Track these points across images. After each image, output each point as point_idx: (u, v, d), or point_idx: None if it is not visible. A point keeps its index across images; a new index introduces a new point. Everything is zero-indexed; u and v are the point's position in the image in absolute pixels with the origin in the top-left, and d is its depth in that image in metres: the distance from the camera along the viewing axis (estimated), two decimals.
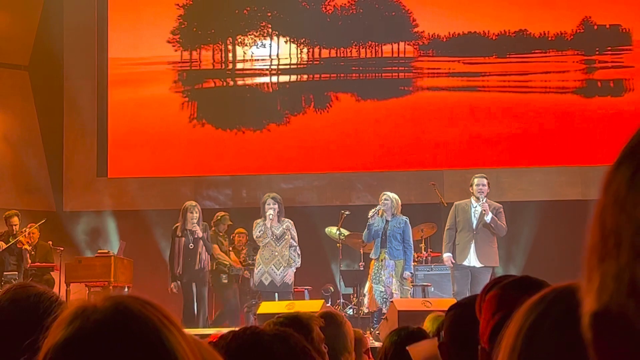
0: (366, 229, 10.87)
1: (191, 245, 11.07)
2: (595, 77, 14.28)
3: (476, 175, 10.89)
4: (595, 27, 14.24)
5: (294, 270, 11.06)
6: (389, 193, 10.98)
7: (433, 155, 14.22)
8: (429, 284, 11.51)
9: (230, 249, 12.49)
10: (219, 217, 12.25)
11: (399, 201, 10.90)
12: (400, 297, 10.51)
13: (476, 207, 10.70)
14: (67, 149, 14.49)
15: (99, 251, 12.48)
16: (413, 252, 11.06)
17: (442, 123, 14.25)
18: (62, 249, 12.50)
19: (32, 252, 12.01)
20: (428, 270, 11.84)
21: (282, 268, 10.88)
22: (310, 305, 9.55)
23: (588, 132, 13.87)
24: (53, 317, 2.22)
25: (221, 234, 12.29)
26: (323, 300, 10.59)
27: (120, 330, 1.17)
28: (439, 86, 14.42)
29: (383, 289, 10.64)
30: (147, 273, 13.04)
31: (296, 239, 11.07)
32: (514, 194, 13.83)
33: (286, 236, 10.96)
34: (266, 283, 10.90)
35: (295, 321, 3.17)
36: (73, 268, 11.99)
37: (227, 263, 12.02)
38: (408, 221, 10.89)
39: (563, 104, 14.17)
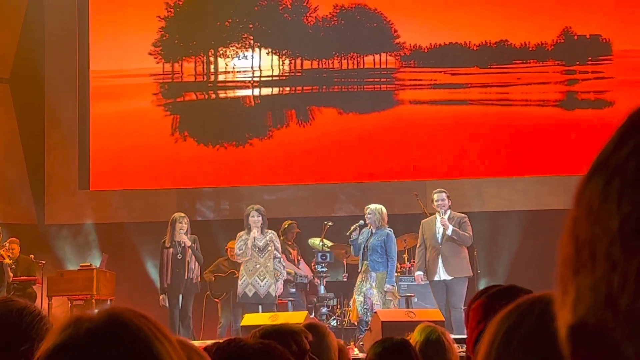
0: (352, 245, 10.92)
1: (179, 256, 11.06)
2: (576, 88, 14.32)
3: (435, 191, 11.02)
4: (576, 37, 14.29)
5: (282, 283, 11.03)
6: (372, 205, 10.89)
7: (416, 166, 14.21)
8: (413, 295, 11.45)
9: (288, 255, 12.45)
10: (285, 226, 12.21)
11: (384, 211, 10.82)
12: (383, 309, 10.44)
13: (439, 221, 10.83)
14: (49, 162, 14.43)
15: (81, 264, 12.42)
16: (396, 264, 10.99)
17: (424, 134, 14.24)
18: (44, 262, 12.42)
19: (14, 266, 11.89)
20: (411, 281, 11.74)
21: (266, 279, 10.81)
22: (294, 317, 9.49)
23: (570, 142, 13.89)
24: (36, 331, 2.26)
25: (289, 242, 12.28)
26: (307, 312, 10.61)
27: (111, 339, 1.18)
28: (421, 97, 14.41)
29: (362, 299, 10.61)
30: (129, 286, 12.96)
31: (280, 250, 11.04)
32: (496, 203, 13.91)
33: (269, 247, 10.90)
34: (250, 295, 10.81)
35: (279, 333, 3.17)
36: (55, 281, 11.95)
37: (292, 272, 11.95)
38: (392, 233, 10.82)
39: (544, 114, 14.18)
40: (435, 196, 10.89)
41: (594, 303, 0.65)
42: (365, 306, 10.56)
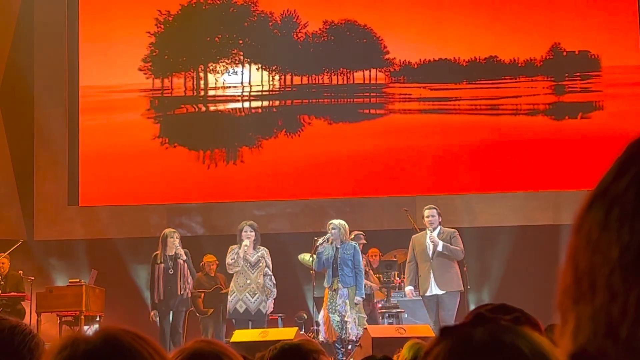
0: (315, 258, 10.79)
1: (171, 271, 11.04)
2: (565, 99, 14.35)
3: (426, 207, 11.01)
4: (565, 53, 14.33)
5: (272, 301, 10.96)
6: (335, 221, 10.90)
7: (405, 181, 14.22)
8: (403, 310, 11.44)
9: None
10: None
11: (347, 227, 10.87)
12: (357, 324, 10.48)
13: (429, 237, 10.83)
14: (38, 178, 14.35)
15: (71, 280, 12.34)
16: (364, 277, 10.98)
17: (413, 149, 14.26)
18: (32, 278, 12.33)
19: (2, 282, 11.87)
20: (402, 297, 11.75)
21: (256, 296, 10.78)
22: (284, 333, 9.42)
23: (558, 159, 13.90)
24: (28, 349, 2.24)
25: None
26: (297, 328, 10.54)
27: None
28: (411, 113, 14.44)
29: (339, 319, 10.56)
30: (119, 302, 12.86)
31: (271, 267, 10.99)
32: (485, 219, 13.90)
33: (261, 264, 10.88)
34: (241, 311, 10.76)
35: (299, 351, 3.15)
36: (44, 298, 11.84)
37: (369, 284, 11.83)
38: (357, 246, 10.90)
39: (533, 130, 14.19)
40: (426, 212, 10.89)
41: (593, 332, 0.65)
42: (340, 325, 10.52)
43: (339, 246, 10.71)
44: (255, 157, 14.45)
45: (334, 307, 10.61)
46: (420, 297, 10.95)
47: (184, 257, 11.11)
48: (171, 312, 11.03)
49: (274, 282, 11.01)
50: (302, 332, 10.70)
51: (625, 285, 0.63)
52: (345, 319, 10.49)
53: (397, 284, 12.14)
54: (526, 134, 14.22)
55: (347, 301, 10.56)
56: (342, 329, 10.47)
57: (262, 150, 14.46)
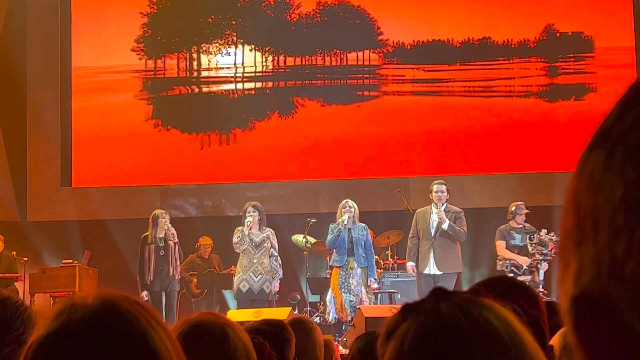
0: (334, 235, 10.77)
1: (162, 252, 11.07)
2: (558, 81, 14.36)
3: (435, 182, 10.86)
4: (558, 34, 14.33)
5: (278, 281, 11.01)
6: (351, 201, 10.93)
7: (399, 163, 14.20)
8: (396, 291, 11.46)
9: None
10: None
11: (358, 209, 10.94)
12: (367, 304, 10.49)
13: (434, 214, 10.71)
14: (31, 159, 14.32)
15: (64, 261, 12.36)
16: (374, 258, 11.08)
17: (407, 131, 14.23)
18: (25, 259, 12.35)
19: None
20: (394, 277, 11.82)
21: (260, 276, 10.82)
22: (278, 313, 9.45)
23: (552, 140, 13.89)
24: (21, 321, 2.25)
25: None
26: (290, 308, 10.57)
27: (105, 326, 1.19)
28: (404, 95, 14.41)
29: (354, 299, 10.60)
30: (112, 283, 12.27)
31: (276, 248, 11.03)
32: (479, 200, 13.85)
33: (265, 244, 10.91)
34: (244, 290, 10.82)
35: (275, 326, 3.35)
36: (37, 278, 11.89)
37: None
38: (367, 228, 10.94)
39: (526, 111, 14.22)
40: (435, 187, 10.73)
41: (597, 274, 0.65)
42: (354, 305, 10.53)
43: (350, 227, 10.74)
44: (249, 138, 14.39)
45: (347, 287, 10.65)
46: (415, 277, 10.89)
47: (176, 239, 11.12)
48: (163, 293, 11.06)
49: (280, 262, 11.07)
50: (295, 312, 10.75)
51: (630, 224, 0.62)
52: (364, 299, 10.57)
53: (390, 265, 12.21)
54: (520, 115, 14.22)
55: (360, 281, 10.64)
56: (355, 309, 10.39)
57: (255, 132, 14.42)
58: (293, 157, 14.32)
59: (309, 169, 14.26)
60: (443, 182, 10.86)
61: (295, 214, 13.37)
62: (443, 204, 10.67)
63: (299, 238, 12.32)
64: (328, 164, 14.25)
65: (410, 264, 10.82)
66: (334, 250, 10.90)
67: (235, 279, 10.99)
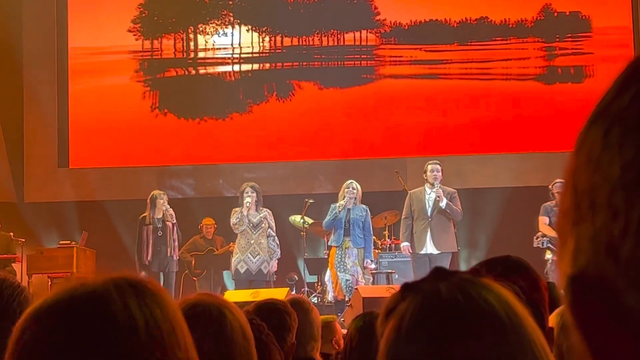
0: (330, 217, 10.83)
1: (160, 233, 11.09)
2: (556, 63, 14.35)
3: (430, 162, 10.89)
4: (556, 14, 14.31)
5: (276, 262, 11.03)
6: (355, 183, 10.95)
7: (396, 144, 14.16)
8: (393, 271, 11.47)
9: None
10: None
11: (361, 190, 10.97)
12: (364, 285, 10.53)
13: (430, 193, 10.72)
14: (28, 140, 14.31)
15: (61, 242, 12.38)
16: (372, 240, 11.11)
17: (405, 111, 14.18)
18: (23, 240, 12.33)
19: None
20: (392, 258, 11.82)
21: (258, 256, 10.81)
22: (275, 293, 9.22)
23: (550, 119, 13.87)
24: (17, 303, 2.26)
25: None
26: (288, 288, 10.65)
27: (96, 311, 1.18)
28: (402, 74, 14.36)
29: (349, 278, 10.66)
30: (109, 263, 12.41)
31: (274, 228, 11.03)
32: (477, 180, 13.88)
33: (263, 224, 10.90)
34: (242, 271, 10.82)
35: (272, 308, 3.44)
36: (35, 259, 11.90)
37: None
38: (368, 210, 10.96)
39: (524, 90, 14.20)
40: (430, 167, 10.77)
41: (594, 253, 0.64)
42: (350, 284, 10.59)
43: (350, 207, 10.76)
44: (246, 120, 14.34)
45: (343, 267, 10.69)
46: (410, 257, 10.95)
47: (174, 220, 11.14)
48: (161, 274, 11.08)
49: (278, 242, 11.07)
50: (293, 293, 10.72)
51: (627, 203, 0.61)
52: (360, 279, 10.61)
53: (387, 245, 12.17)
54: (517, 94, 14.20)
55: (357, 261, 10.67)
56: (351, 289, 10.47)
57: (252, 115, 14.38)
58: (290, 138, 14.24)
59: (307, 150, 14.19)
60: (437, 162, 10.89)
61: (292, 195, 13.34)
62: (438, 184, 10.68)
63: (296, 219, 12.30)
64: (325, 145, 14.19)
65: (404, 244, 10.83)
66: (333, 230, 10.90)
67: (233, 259, 10.96)
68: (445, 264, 10.34)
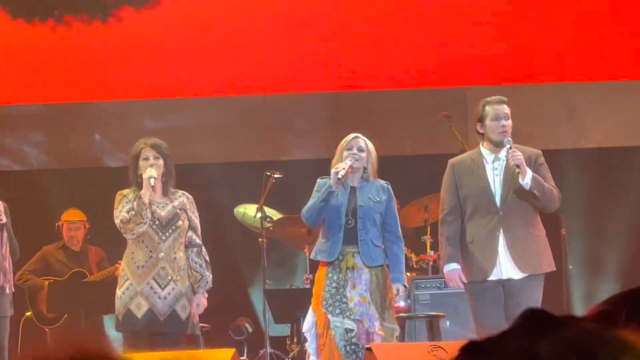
0: (318, 198, 9.82)
1: None
2: None
3: (488, 100, 9.93)
4: None
5: (205, 296, 10.25)
6: (363, 137, 10.00)
7: (447, 65, 13.79)
8: (441, 314, 11.20)
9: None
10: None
11: (375, 153, 10.02)
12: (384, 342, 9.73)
13: (496, 161, 9.77)
14: None
15: None
16: (404, 248, 10.23)
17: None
18: None
19: None
20: (438, 287, 11.61)
21: (170, 285, 10.02)
22: (215, 356, 9.71)
23: None
24: None
25: None
26: (234, 350, 10.05)
27: None
28: None
29: (354, 327, 9.58)
30: None
31: (198, 228, 10.27)
32: (603, 132, 13.99)
33: (180, 222, 10.09)
34: (139, 315, 9.90)
35: None
36: None
37: None
38: (391, 189, 10.04)
39: None
40: (490, 109, 9.70)
41: None
42: (352, 338, 9.59)
43: (357, 184, 9.72)
44: (146, 19, 14.08)
45: (342, 305, 9.74)
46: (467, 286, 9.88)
47: (2, 217, 10.61)
48: None
49: (207, 258, 10.28)
50: (243, 358, 11.37)
51: None
52: (376, 330, 9.65)
53: (429, 263, 12.05)
54: None
55: (369, 294, 9.67)
56: (354, 350, 9.62)
57: (160, 8, 14.03)
58: (236, 55, 13.77)
59: (271, 74, 13.75)
60: (502, 98, 9.99)
61: (240, 163, 13.63)
62: (509, 142, 9.70)
63: (247, 211, 12.28)
64: (309, 65, 13.78)
65: (451, 268, 9.76)
66: (320, 231, 9.89)
67: (119, 292, 10.03)
68: (537, 294, 9.70)
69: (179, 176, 10.76)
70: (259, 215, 11.99)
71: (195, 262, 10.15)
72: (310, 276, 11.28)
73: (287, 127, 14.26)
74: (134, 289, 9.91)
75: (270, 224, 12.09)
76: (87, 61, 13.99)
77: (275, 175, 11.80)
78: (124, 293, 10.00)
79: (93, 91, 13.99)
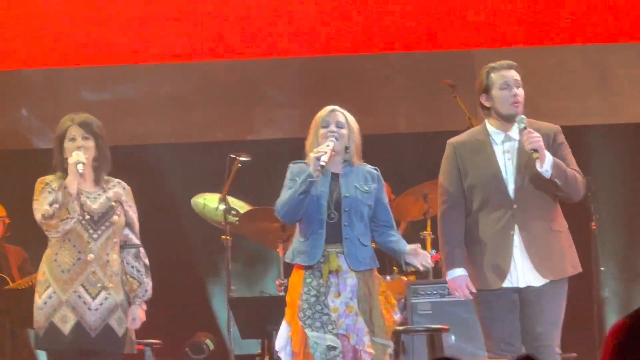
0: (295, 188, 9.47)
1: None
2: None
3: (493, 65, 9.66)
4: None
5: (143, 307, 9.89)
6: (341, 110, 9.70)
7: (450, 23, 13.89)
8: (445, 327, 11.29)
9: None
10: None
11: (358, 131, 9.75)
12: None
13: (509, 141, 9.47)
14: None
15: None
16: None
17: None
18: None
19: None
20: (440, 294, 11.72)
21: (102, 294, 9.70)
22: None
23: None
24: None
25: None
26: None
27: None
28: None
29: (337, 344, 9.28)
30: None
31: (136, 226, 9.98)
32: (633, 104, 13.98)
33: (114, 217, 9.78)
34: (65, 331, 9.51)
35: None
36: None
37: None
38: (380, 176, 9.77)
39: None
40: (497, 77, 9.41)
41: None
42: (335, 354, 9.29)
43: (340, 171, 9.41)
44: None
45: (322, 318, 9.45)
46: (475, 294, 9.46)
47: None
48: None
49: (146, 262, 9.99)
50: None
51: None
52: (365, 347, 9.34)
53: (433, 262, 11.18)
54: None
55: (356, 303, 9.39)
56: None
57: None
58: (194, 13, 13.95)
59: (234, 35, 13.82)
60: (512, 63, 9.75)
61: (198, 144, 13.94)
62: (523, 119, 9.35)
63: (208, 202, 12.25)
64: (274, 24, 13.98)
65: (456, 273, 9.45)
66: (297, 228, 9.59)
67: (39, 301, 9.70)
68: (560, 302, 9.32)
69: (123, 160, 10.55)
70: (221, 207, 11.93)
71: (132, 267, 9.97)
72: (285, 281, 11.06)
73: (256, 99, 14.29)
74: (58, 298, 9.66)
75: (235, 218, 11.95)
76: (9, 20, 13.87)
77: (242, 159, 11.85)
78: (45, 303, 9.72)
79: (18, 57, 13.92)
